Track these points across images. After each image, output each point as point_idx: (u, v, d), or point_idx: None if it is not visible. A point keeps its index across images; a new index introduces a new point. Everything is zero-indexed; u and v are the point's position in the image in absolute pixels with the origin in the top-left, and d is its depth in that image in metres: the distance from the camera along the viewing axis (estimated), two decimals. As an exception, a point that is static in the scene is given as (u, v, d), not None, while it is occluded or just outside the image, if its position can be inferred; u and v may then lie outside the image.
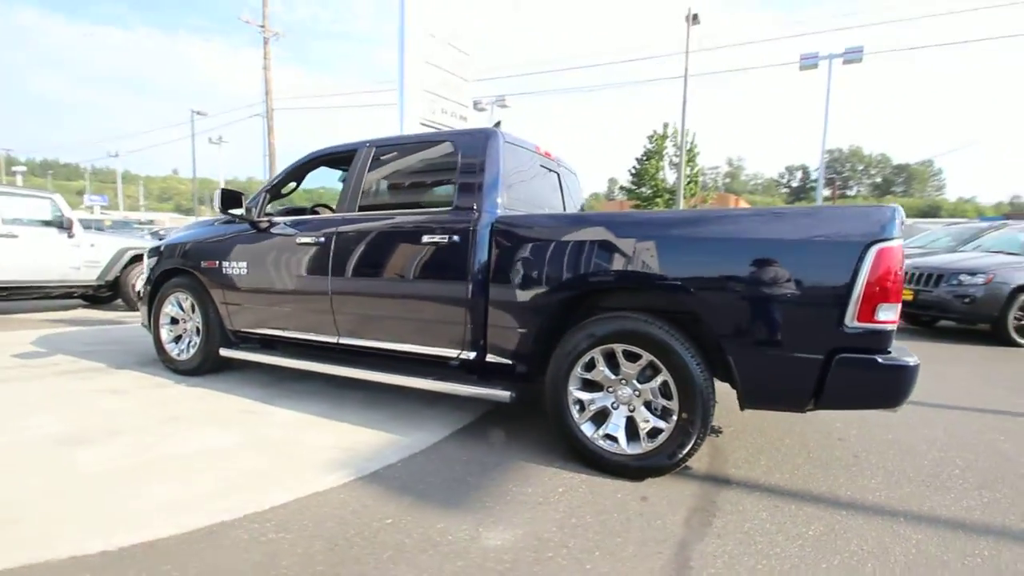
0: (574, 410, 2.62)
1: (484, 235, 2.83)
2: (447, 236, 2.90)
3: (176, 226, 20.02)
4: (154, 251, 4.34)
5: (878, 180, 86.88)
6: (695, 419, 2.34)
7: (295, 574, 1.75)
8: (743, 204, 41.02)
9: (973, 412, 3.69)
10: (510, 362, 2.83)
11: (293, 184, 3.99)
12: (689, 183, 28.25)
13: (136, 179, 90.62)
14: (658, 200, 31.50)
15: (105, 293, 7.63)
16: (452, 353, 2.98)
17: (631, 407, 2.54)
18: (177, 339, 4.18)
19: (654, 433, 2.45)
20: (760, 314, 2.25)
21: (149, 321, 4.33)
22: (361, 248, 3.22)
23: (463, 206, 2.94)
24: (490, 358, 2.88)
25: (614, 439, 2.54)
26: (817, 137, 18.89)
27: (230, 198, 3.55)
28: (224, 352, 3.82)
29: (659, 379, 2.43)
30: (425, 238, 2.97)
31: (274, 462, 2.60)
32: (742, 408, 2.41)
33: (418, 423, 3.17)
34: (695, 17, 17.85)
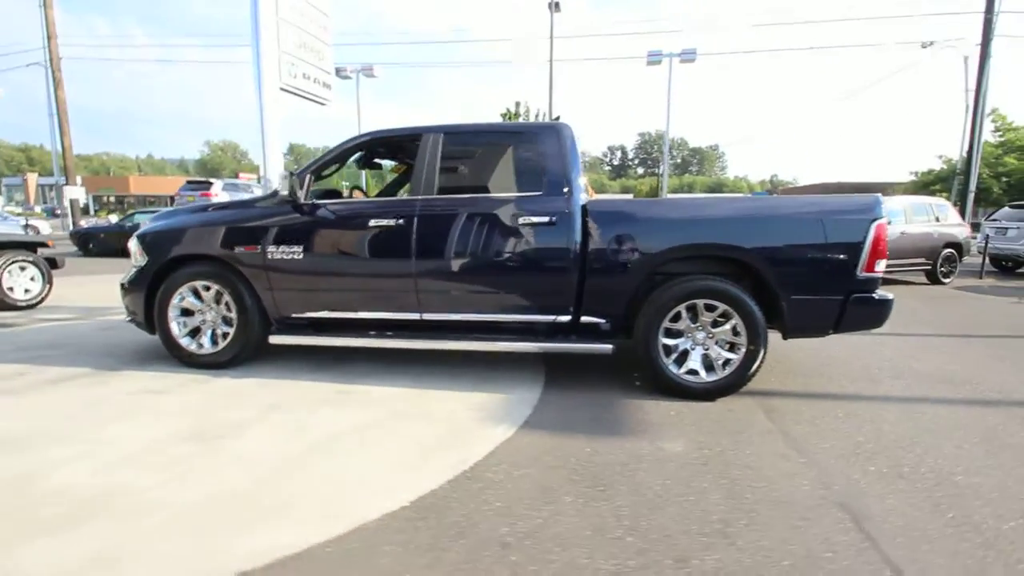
0: (663, 354, 3.33)
1: (578, 216, 3.33)
2: (545, 217, 3.33)
3: None
4: (147, 238, 3.86)
5: (678, 160, 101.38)
6: (759, 348, 3.22)
7: (572, 492, 2.19)
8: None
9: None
10: (603, 321, 3.41)
11: (336, 166, 3.91)
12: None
13: None
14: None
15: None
16: (547, 318, 3.46)
17: (705, 347, 3.34)
18: (193, 332, 3.85)
19: (726, 363, 3.29)
20: (805, 271, 3.19)
21: (146, 316, 3.88)
22: (451, 229, 3.45)
23: (553, 191, 3.39)
24: (584, 319, 3.43)
25: (695, 372, 3.32)
26: (632, 121, 21.76)
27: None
28: (277, 339, 3.69)
29: (731, 323, 3.25)
30: (522, 220, 3.35)
31: (440, 426, 2.85)
32: (785, 338, 3.37)
33: (508, 383, 3.58)
34: (556, 5, 19.17)
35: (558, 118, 4.21)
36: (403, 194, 3.98)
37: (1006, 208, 11.72)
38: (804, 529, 1.97)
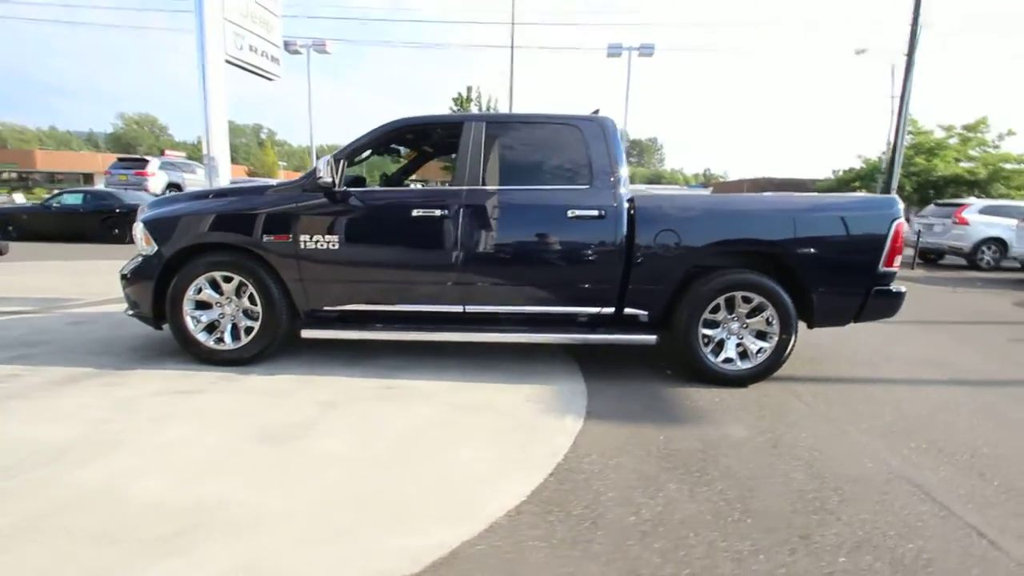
0: (702, 343, 3.49)
1: (624, 210, 3.40)
2: (594, 211, 3.37)
3: None
4: (158, 224, 3.54)
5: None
6: (790, 337, 3.45)
7: (673, 479, 2.29)
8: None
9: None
10: (645, 313, 3.52)
11: (368, 152, 3.74)
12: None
13: None
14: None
15: None
16: (591, 310, 3.52)
17: (739, 336, 3.53)
18: (211, 327, 3.59)
19: (760, 352, 3.49)
20: (833, 266, 3.43)
21: (154, 310, 3.58)
22: (497, 220, 3.42)
23: (601, 184, 3.43)
24: (627, 311, 3.52)
25: (730, 360, 3.51)
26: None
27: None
28: (310, 334, 3.51)
29: (765, 313, 3.45)
30: (570, 213, 3.38)
31: (509, 419, 2.85)
32: (810, 328, 3.61)
33: (547, 375, 3.62)
34: (516, -10, 18.99)
35: (597, 111, 4.17)
36: (414, 183, 3.87)
37: (932, 206, 13.00)
38: (889, 502, 2.17)
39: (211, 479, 2.16)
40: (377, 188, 3.62)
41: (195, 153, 43.10)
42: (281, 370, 3.54)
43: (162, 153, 20.38)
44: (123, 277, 3.66)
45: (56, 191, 14.20)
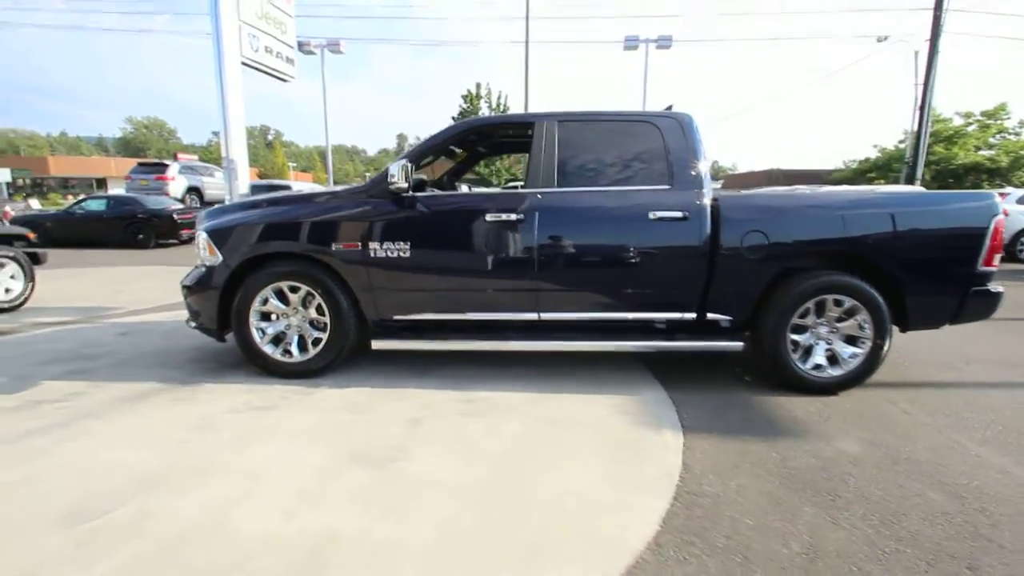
0: (790, 349, 3.32)
1: (708, 212, 3.23)
2: (678, 212, 3.21)
3: None
4: (222, 233, 3.42)
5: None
6: (884, 343, 3.27)
7: (807, 503, 2.13)
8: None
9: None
10: (727, 318, 3.36)
11: (433, 156, 3.60)
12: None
13: None
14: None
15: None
16: (672, 316, 3.36)
17: (828, 341, 3.35)
18: (277, 339, 3.47)
19: (853, 358, 3.32)
20: (930, 266, 3.25)
21: (218, 321, 3.46)
22: (574, 224, 3.27)
23: (683, 185, 3.27)
24: (710, 316, 3.36)
25: (820, 367, 3.34)
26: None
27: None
28: (381, 345, 3.38)
29: (858, 317, 3.27)
30: (652, 214, 3.22)
31: (602, 434, 2.71)
32: (903, 331, 3.43)
33: (623, 383, 3.46)
34: (531, -15, 18.75)
35: (671, 107, 3.97)
36: (464, 185, 3.70)
37: None
38: (1047, 526, 2.00)
39: (317, 508, 2.03)
40: (449, 192, 3.48)
41: (206, 155, 43.30)
42: (351, 382, 3.42)
43: (175, 157, 20.36)
44: (186, 288, 3.54)
45: (82, 196, 14.16)
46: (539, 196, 3.29)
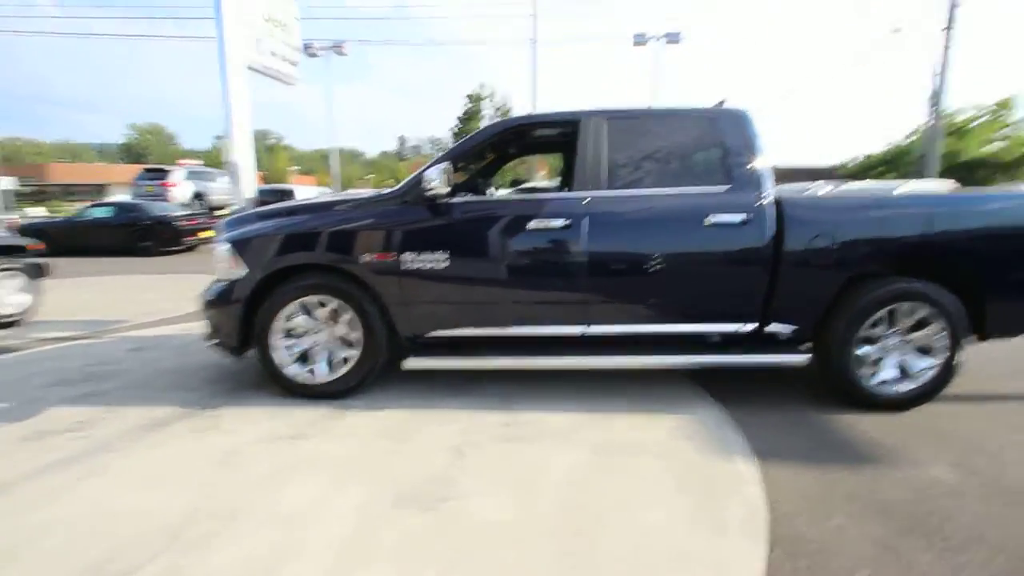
0: (858, 363, 3.06)
1: (771, 214, 2.98)
2: (738, 215, 2.96)
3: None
4: (245, 244, 3.18)
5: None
6: (959, 354, 3.02)
7: (917, 547, 1.89)
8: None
9: None
10: (791, 329, 3.11)
11: (470, 159, 3.36)
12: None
13: None
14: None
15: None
16: (730, 328, 3.11)
17: (900, 353, 3.10)
18: (303, 357, 3.23)
19: (925, 370, 3.06)
20: (1011, 269, 2.99)
21: (239, 339, 3.23)
22: (626, 230, 3.02)
23: (743, 185, 3.02)
24: (772, 328, 3.11)
25: (886, 382, 3.09)
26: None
27: None
28: (415, 364, 3.14)
29: (933, 327, 3.02)
30: (709, 218, 2.97)
31: (668, 463, 2.46)
32: (982, 340, 3.17)
33: (676, 400, 3.22)
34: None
35: (723, 103, 3.76)
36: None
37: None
38: None
39: (368, 561, 1.79)
40: (488, 198, 3.24)
41: (208, 161, 43.11)
42: (381, 403, 3.17)
43: (176, 162, 20.18)
44: (205, 304, 3.31)
45: (88, 204, 13.95)
46: (588, 200, 3.04)
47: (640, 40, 18.16)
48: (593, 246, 3.00)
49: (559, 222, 3.01)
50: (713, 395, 3.30)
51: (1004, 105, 25.52)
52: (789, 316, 3.09)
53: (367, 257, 3.06)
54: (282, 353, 3.19)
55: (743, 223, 2.96)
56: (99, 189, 40.45)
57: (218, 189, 16.32)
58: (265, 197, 13.83)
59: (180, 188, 15.09)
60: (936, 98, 17.76)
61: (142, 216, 12.61)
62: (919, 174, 19.49)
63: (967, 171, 25.11)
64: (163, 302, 6.49)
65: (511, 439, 2.72)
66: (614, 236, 3.03)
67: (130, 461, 2.51)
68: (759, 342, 3.17)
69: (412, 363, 3.16)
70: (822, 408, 3.13)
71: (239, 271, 3.15)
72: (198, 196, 15.81)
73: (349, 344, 3.21)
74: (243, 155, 7.11)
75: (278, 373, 3.20)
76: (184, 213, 13.45)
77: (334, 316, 3.20)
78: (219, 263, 3.25)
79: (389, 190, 3.26)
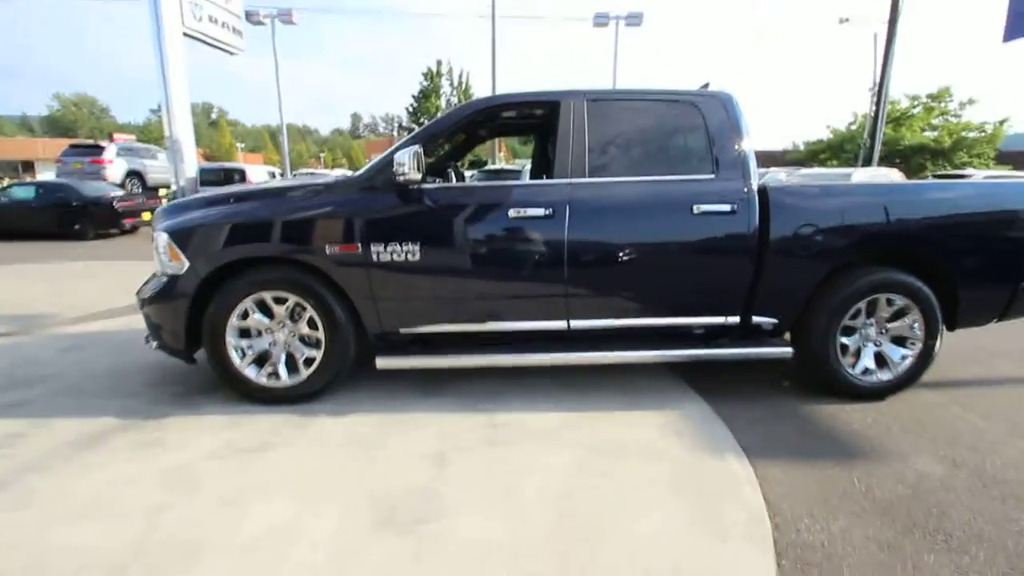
0: (839, 353, 3.05)
1: (756, 203, 2.89)
2: (725, 205, 2.85)
3: None
4: (189, 234, 2.83)
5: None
6: (935, 343, 3.05)
7: (923, 549, 1.85)
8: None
9: None
10: (776, 321, 3.05)
11: (444, 140, 3.10)
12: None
13: None
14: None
15: None
16: (715, 320, 3.03)
17: (877, 343, 3.11)
18: (261, 359, 2.94)
19: (903, 360, 3.09)
20: (983, 261, 3.03)
21: (187, 340, 2.90)
22: (610, 219, 2.86)
23: (729, 173, 2.91)
24: (755, 320, 3.04)
25: (868, 371, 3.10)
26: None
27: None
28: (387, 364, 2.91)
29: (909, 318, 3.03)
30: (696, 208, 2.85)
31: (659, 465, 2.35)
32: (951, 330, 3.21)
33: (661, 395, 3.14)
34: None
35: (707, 85, 3.03)
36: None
37: (931, 178, 13.03)
38: None
39: (352, 601, 1.59)
40: (463, 184, 3.01)
41: (143, 136, 40.20)
42: (350, 407, 2.94)
43: (111, 137, 18.64)
44: (143, 301, 2.95)
45: (6, 183, 12.68)
46: (570, 187, 2.86)
47: (601, 21, 17.93)
48: (575, 236, 2.83)
49: (540, 211, 2.82)
50: (695, 388, 3.23)
51: (937, 97, 26.84)
52: (772, 308, 3.03)
53: (330, 248, 2.78)
54: (237, 355, 2.90)
55: (731, 212, 2.86)
56: (27, 166, 37.28)
57: (156, 167, 15.18)
58: (209, 176, 13.05)
59: (113, 166, 13.93)
60: (880, 88, 18.47)
61: (71, 197, 11.58)
62: (860, 160, 20.30)
63: (903, 158, 26.40)
64: (100, 292, 5.92)
65: (495, 443, 2.55)
66: (597, 226, 2.87)
67: (64, 485, 2.19)
68: (743, 334, 3.11)
69: (384, 363, 2.93)
70: (802, 398, 3.12)
71: (181, 264, 2.81)
72: (134, 175, 14.65)
73: (312, 344, 2.94)
74: (182, 130, 6.68)
75: (233, 376, 2.91)
76: (120, 193, 12.44)
77: (295, 313, 2.92)
78: (158, 255, 2.90)
79: (353, 174, 2.98)
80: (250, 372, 2.92)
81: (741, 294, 2.98)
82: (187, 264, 2.82)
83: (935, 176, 13.66)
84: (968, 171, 13.30)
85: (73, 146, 15.26)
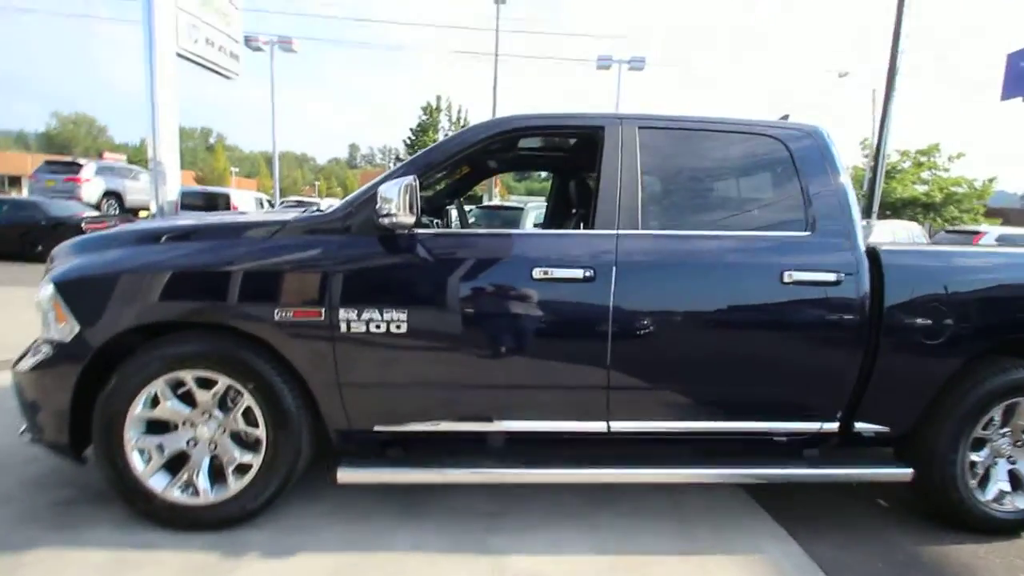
0: (968, 475, 2.26)
1: (867, 270, 2.15)
2: (829, 274, 2.10)
3: None
4: (80, 287, 2.01)
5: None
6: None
7: None
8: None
9: None
10: (886, 429, 2.27)
11: (447, 171, 2.35)
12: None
13: None
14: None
15: None
16: (807, 426, 2.23)
17: (1011, 459, 2.33)
18: (174, 463, 2.08)
19: (1041, 483, 2.30)
20: None
21: (72, 431, 2.04)
22: (669, 287, 2.10)
23: (830, 232, 2.16)
24: (858, 426, 2.25)
25: (1002, 496, 2.30)
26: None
27: None
28: (350, 477, 2.05)
29: (1057, 427, 2.27)
30: (787, 275, 2.09)
31: None
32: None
33: (736, 529, 2.29)
34: (502, -5, 17.91)
35: (787, 117, 2.50)
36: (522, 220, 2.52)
37: (942, 233, 12.68)
38: None
39: None
40: (471, 232, 2.25)
41: (136, 156, 39.56)
42: (298, 539, 2.06)
43: (100, 156, 17.88)
44: (17, 376, 2.11)
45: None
46: (617, 242, 2.09)
47: (604, 64, 17.76)
48: (625, 307, 2.05)
49: (577, 272, 2.04)
50: (773, 514, 2.38)
51: (928, 151, 27.09)
52: (884, 411, 2.25)
53: (280, 313, 1.97)
54: (140, 459, 2.03)
55: (835, 283, 2.10)
56: (12, 181, 36.38)
57: (137, 188, 14.39)
58: (191, 200, 12.28)
59: (90, 185, 13.10)
60: (879, 142, 18.35)
61: (37, 216, 10.77)
62: (867, 212, 20.04)
63: (894, 210, 26.40)
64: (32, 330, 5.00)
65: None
66: (654, 296, 2.10)
67: None
68: (841, 444, 2.32)
69: (347, 476, 2.06)
70: (913, 530, 2.31)
71: (68, 327, 1.98)
72: (112, 195, 13.83)
73: (249, 444, 2.09)
74: (167, 152, 6.24)
75: (132, 487, 2.03)
76: (92, 214, 11.62)
77: (226, 401, 2.07)
78: (41, 312, 2.07)
79: (322, 212, 2.20)
80: (156, 483, 2.04)
81: (844, 392, 2.19)
82: (76, 328, 1.98)
83: (947, 232, 13.24)
84: (982, 227, 12.91)
85: (48, 163, 14.46)
